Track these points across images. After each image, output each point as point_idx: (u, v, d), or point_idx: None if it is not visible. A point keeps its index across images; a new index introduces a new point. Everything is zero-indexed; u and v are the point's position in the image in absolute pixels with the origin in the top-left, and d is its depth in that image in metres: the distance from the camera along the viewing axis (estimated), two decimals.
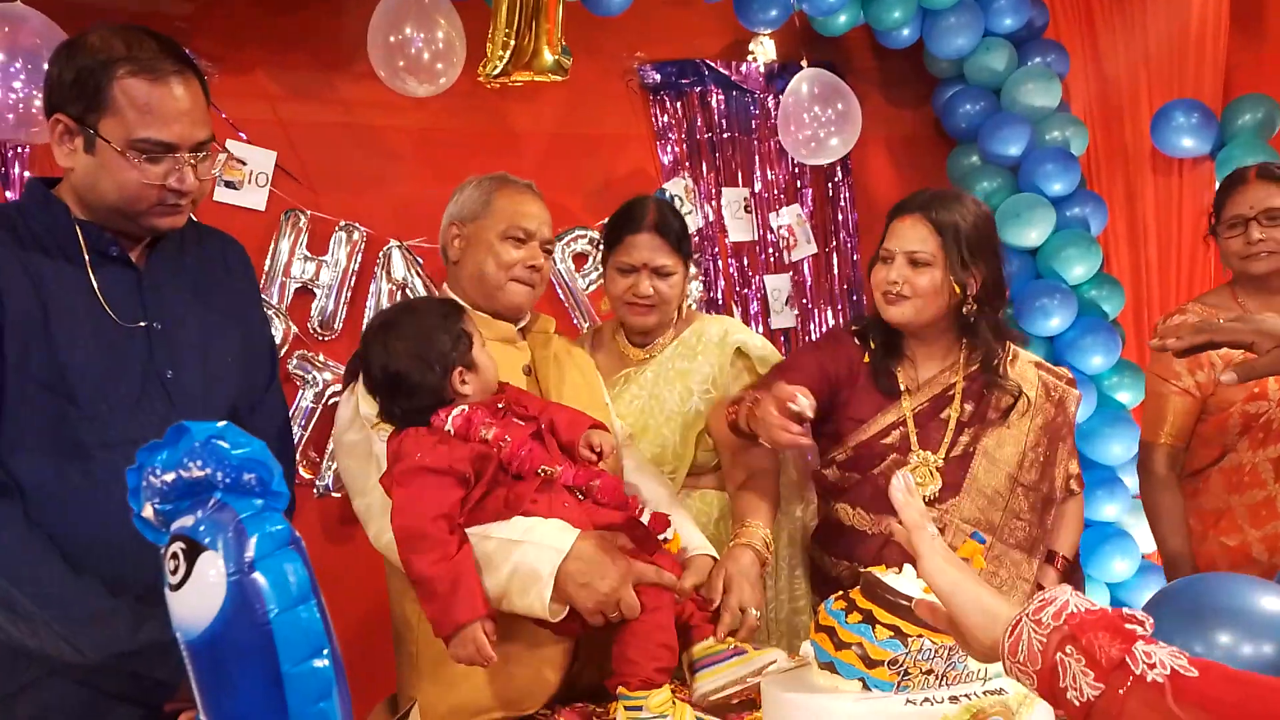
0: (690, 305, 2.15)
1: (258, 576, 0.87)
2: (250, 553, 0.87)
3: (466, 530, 1.49)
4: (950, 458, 1.87)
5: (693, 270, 2.11)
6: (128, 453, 1.41)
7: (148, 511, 0.92)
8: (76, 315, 1.42)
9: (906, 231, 1.87)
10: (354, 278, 2.97)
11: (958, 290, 1.84)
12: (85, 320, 1.42)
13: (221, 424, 0.91)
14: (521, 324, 1.89)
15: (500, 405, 1.58)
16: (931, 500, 1.85)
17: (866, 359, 1.93)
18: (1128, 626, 0.82)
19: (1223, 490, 2.28)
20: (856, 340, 1.96)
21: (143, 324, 1.47)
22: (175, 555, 0.89)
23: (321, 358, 2.90)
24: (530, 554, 1.44)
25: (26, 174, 2.65)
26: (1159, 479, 2.33)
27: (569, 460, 1.59)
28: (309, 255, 2.92)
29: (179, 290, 1.53)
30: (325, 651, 0.87)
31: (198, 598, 0.87)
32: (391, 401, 1.58)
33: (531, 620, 1.50)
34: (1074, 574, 2.01)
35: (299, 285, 2.92)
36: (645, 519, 1.58)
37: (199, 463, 0.87)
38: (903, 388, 1.91)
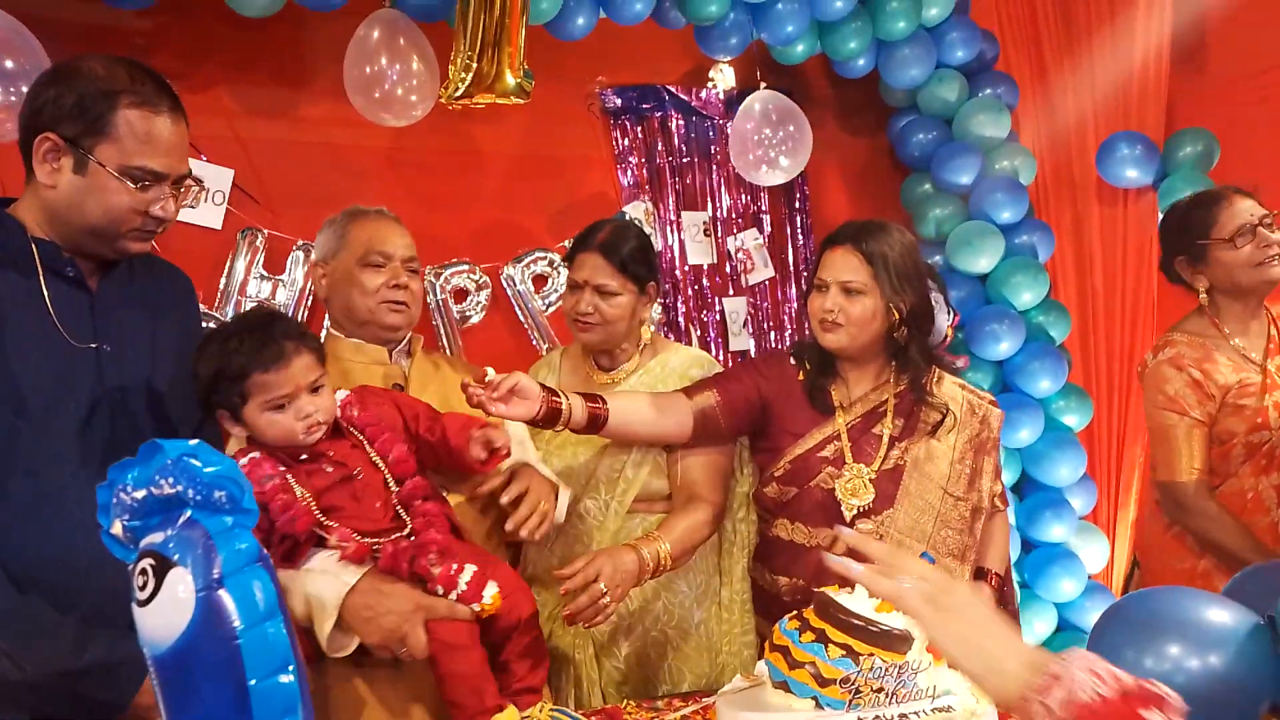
0: (651, 331, 2.16)
1: (225, 593, 0.87)
2: (218, 569, 0.88)
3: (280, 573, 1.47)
4: (882, 470, 1.95)
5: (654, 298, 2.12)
6: (75, 471, 1.42)
7: (116, 528, 0.93)
8: (29, 333, 1.43)
9: (839, 262, 1.95)
10: (311, 298, 2.96)
11: (895, 315, 1.93)
12: (37, 339, 1.44)
13: (193, 442, 0.91)
14: (400, 346, 1.92)
15: (304, 456, 1.52)
16: (866, 511, 1.92)
17: (801, 377, 2.02)
18: (1141, 713, 0.77)
19: None
20: (793, 360, 2.06)
21: (93, 345, 1.49)
22: (144, 571, 0.90)
23: None
24: (317, 582, 1.43)
25: None
26: (1210, 511, 2.23)
27: (355, 523, 1.52)
28: (265, 274, 2.91)
29: (129, 314, 1.56)
30: (291, 667, 0.89)
31: (166, 613, 0.88)
32: None
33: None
34: (1005, 588, 2.07)
35: (254, 304, 2.90)
36: (460, 585, 1.50)
37: (171, 480, 0.88)
38: (836, 404, 1.99)
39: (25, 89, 2.28)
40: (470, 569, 1.52)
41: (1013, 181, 3.35)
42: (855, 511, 1.92)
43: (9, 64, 2.29)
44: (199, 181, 1.59)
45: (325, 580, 1.43)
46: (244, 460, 1.48)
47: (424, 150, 3.09)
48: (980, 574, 2.02)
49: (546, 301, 3.23)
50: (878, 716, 1.04)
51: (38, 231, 1.48)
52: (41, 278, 1.46)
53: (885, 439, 1.96)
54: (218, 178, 2.83)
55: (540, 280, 3.24)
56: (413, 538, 1.52)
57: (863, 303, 1.92)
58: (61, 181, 1.45)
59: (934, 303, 2.00)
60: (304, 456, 1.52)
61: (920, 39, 3.31)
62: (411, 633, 1.43)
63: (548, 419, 1.77)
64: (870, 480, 1.93)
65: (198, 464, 0.90)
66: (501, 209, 3.18)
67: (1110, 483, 3.55)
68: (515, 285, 3.19)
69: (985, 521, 2.04)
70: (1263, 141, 3.29)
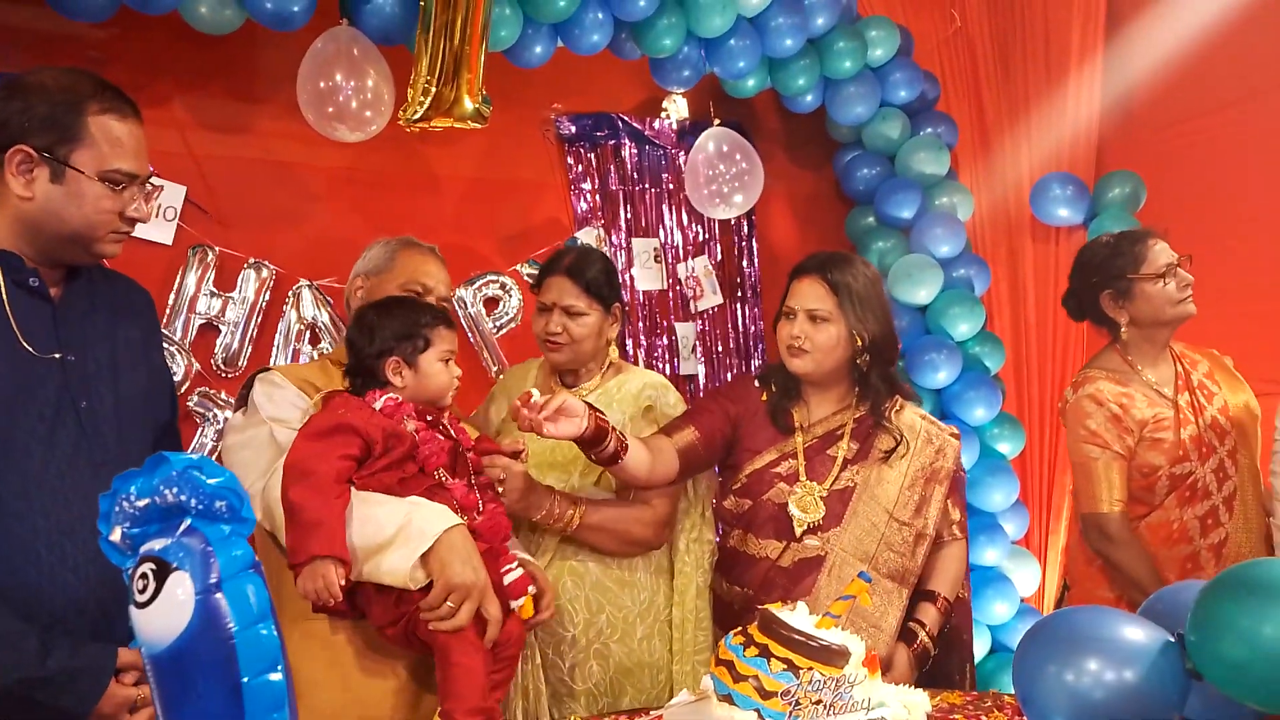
0: (616, 352, 2.23)
1: (222, 596, 0.94)
2: (216, 574, 0.95)
3: (360, 492, 1.53)
4: (833, 490, 2.03)
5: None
6: (38, 481, 1.44)
7: (116, 535, 0.97)
8: None
9: (806, 290, 2.04)
10: (261, 315, 2.95)
11: (858, 342, 2.01)
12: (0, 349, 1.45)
13: (196, 455, 0.95)
14: None
15: (429, 417, 1.64)
16: (814, 528, 2.00)
17: (765, 398, 2.10)
18: None
19: (1150, 546, 2.34)
20: (758, 384, 2.14)
21: (57, 355, 1.50)
22: (145, 575, 0.95)
23: (224, 395, 2.86)
24: (420, 516, 1.50)
25: None
26: (1126, 541, 2.32)
27: (466, 483, 1.65)
28: (215, 291, 2.89)
29: (91, 324, 1.58)
30: (279, 667, 0.95)
31: (166, 614, 0.95)
32: (348, 364, 1.71)
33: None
34: (955, 613, 2.14)
35: (204, 321, 2.88)
36: (509, 578, 1.62)
37: (175, 489, 0.93)
38: (796, 425, 2.06)
39: None
40: (519, 568, 1.64)
41: (951, 217, 3.47)
42: (805, 527, 1.99)
43: None
44: (158, 187, 1.64)
45: (425, 514, 1.50)
46: (384, 398, 1.60)
47: (378, 171, 3.11)
48: (928, 595, 2.09)
49: (498, 324, 3.26)
50: None
51: (1, 243, 1.50)
52: (3, 289, 1.47)
53: (839, 460, 2.04)
54: (170, 193, 2.82)
55: (492, 303, 3.27)
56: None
57: (827, 330, 2.01)
58: (38, 192, 1.47)
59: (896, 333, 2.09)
60: (429, 418, 1.64)
61: (865, 78, 3.43)
62: (474, 600, 1.48)
63: (595, 437, 1.81)
64: (821, 498, 2.00)
65: (202, 476, 0.96)
66: (455, 231, 3.21)
67: (1042, 508, 3.67)
68: (467, 307, 3.22)
69: (940, 549, 2.11)
70: (1187, 184, 3.45)
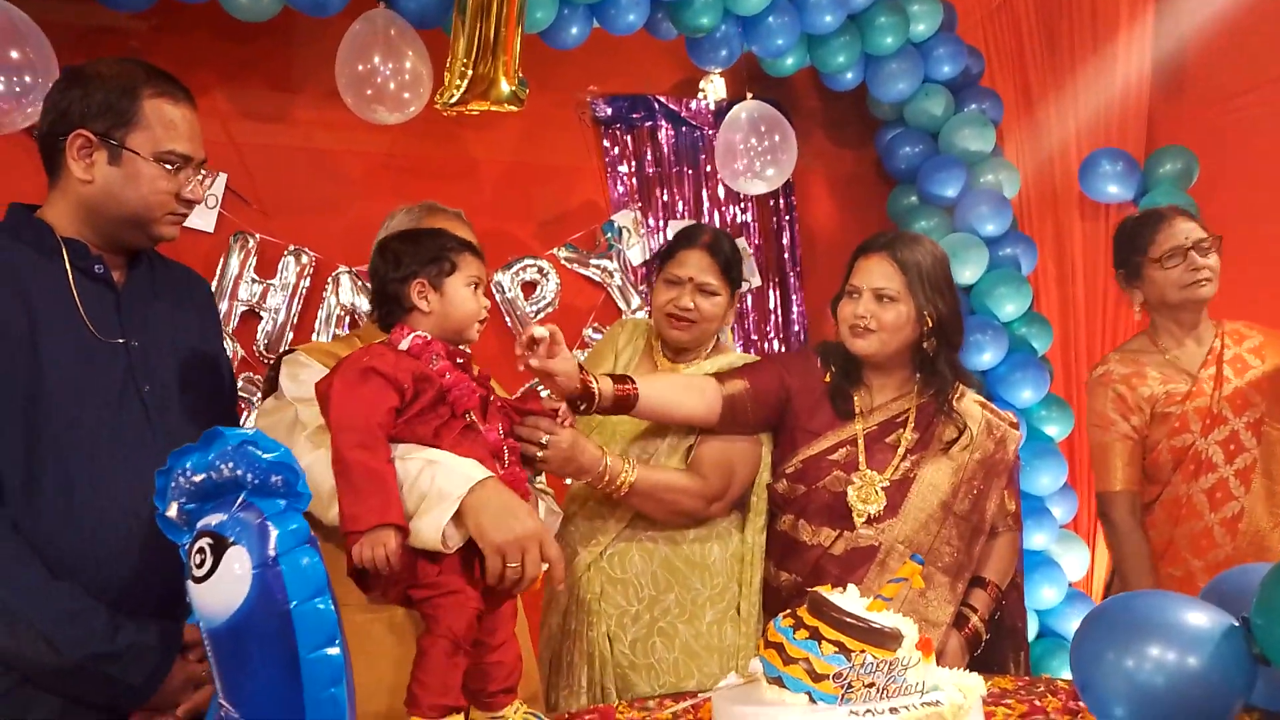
0: (727, 338, 2.20)
1: (280, 569, 0.95)
2: (273, 549, 0.96)
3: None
4: (893, 480, 1.96)
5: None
6: (103, 462, 1.46)
7: (172, 510, 0.99)
8: (60, 329, 1.48)
9: (873, 269, 1.98)
10: (302, 301, 2.97)
11: (929, 321, 1.95)
12: (67, 334, 1.49)
13: (251, 430, 0.96)
14: None
15: (460, 360, 1.58)
16: (873, 518, 1.94)
17: (827, 379, 2.04)
18: None
19: (1165, 524, 2.33)
20: (819, 362, 2.07)
21: (121, 340, 1.54)
22: (202, 550, 0.97)
23: None
24: (441, 475, 1.43)
25: None
26: (1120, 526, 2.36)
27: (496, 427, 1.60)
28: (257, 278, 2.92)
29: (153, 311, 1.61)
30: (337, 641, 0.96)
31: (223, 589, 0.95)
32: (372, 294, 1.66)
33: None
34: (1007, 600, 2.09)
35: (246, 308, 2.91)
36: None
37: (230, 464, 0.95)
38: (857, 410, 2.01)
39: (28, 79, 2.33)
40: None
41: (997, 195, 3.41)
42: (865, 518, 1.94)
43: (14, 54, 2.33)
44: (211, 171, 1.67)
45: (447, 474, 1.43)
46: (412, 335, 1.54)
47: (416, 156, 3.12)
48: (978, 582, 2.03)
49: (536, 308, 3.26)
50: (869, 710, 1.06)
51: (66, 231, 1.54)
52: (70, 275, 1.51)
53: (900, 450, 1.98)
54: (211, 181, 2.84)
55: (529, 287, 3.27)
56: None
57: (895, 309, 1.95)
58: (97, 175, 1.51)
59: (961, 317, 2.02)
60: (459, 360, 1.58)
61: (908, 54, 3.37)
62: (532, 550, 1.42)
63: (582, 397, 1.80)
64: (882, 488, 1.95)
65: (257, 450, 0.97)
66: (492, 216, 3.21)
67: (1091, 492, 3.59)
68: (505, 292, 3.22)
69: (993, 538, 2.05)
70: (1241, 159, 3.35)
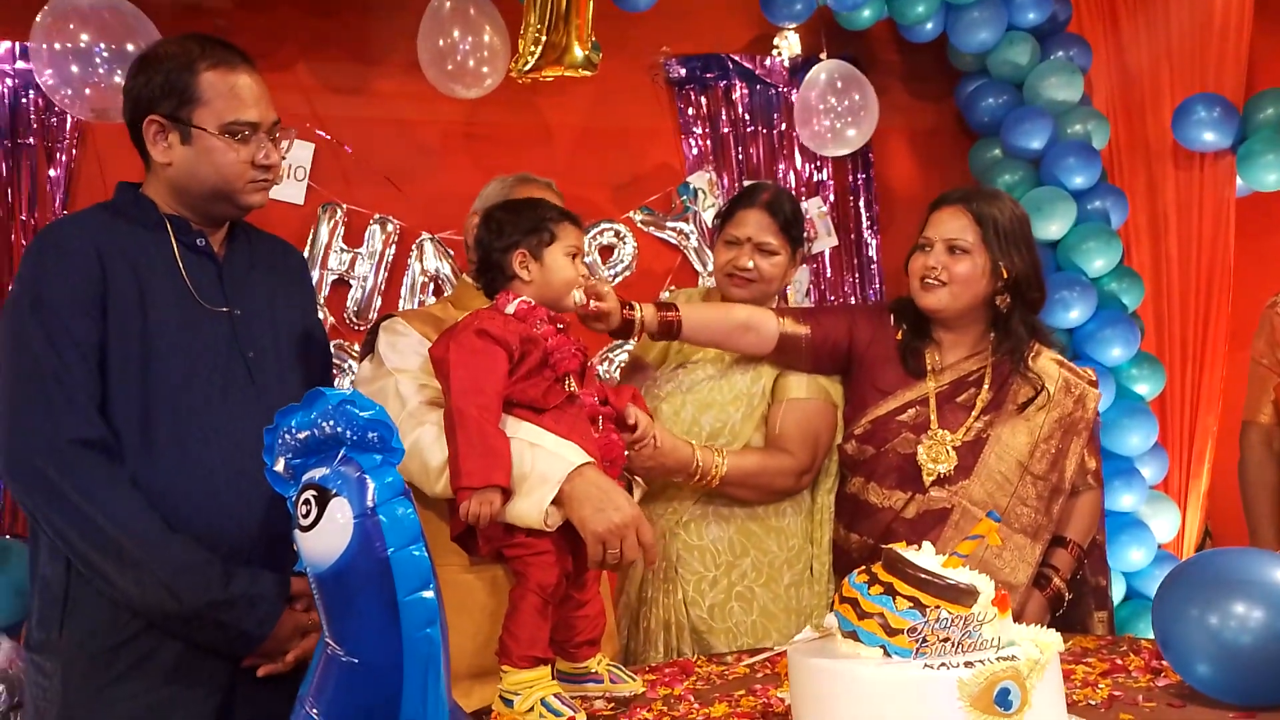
0: (793, 297, 2.20)
1: (379, 519, 1.03)
2: (372, 499, 1.03)
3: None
4: (965, 441, 1.94)
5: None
6: (214, 424, 1.56)
7: (279, 465, 1.08)
8: (168, 300, 1.57)
9: (947, 221, 1.95)
10: (388, 269, 3.07)
11: (1005, 274, 1.93)
12: (176, 303, 1.58)
13: (349, 390, 1.05)
14: None
15: (561, 326, 1.64)
16: (942, 479, 1.93)
17: (899, 336, 2.03)
18: None
19: None
20: (892, 317, 2.06)
21: (224, 309, 1.63)
22: (307, 501, 1.04)
23: (357, 347, 3.00)
24: (542, 459, 1.49)
25: (73, 151, 2.81)
26: (1246, 456, 2.41)
27: (592, 393, 1.65)
28: (345, 247, 3.02)
29: (254, 282, 1.70)
30: (431, 585, 1.04)
31: (328, 537, 1.03)
32: (476, 263, 1.72)
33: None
34: (1089, 559, 2.06)
35: (335, 277, 3.02)
36: None
37: (331, 422, 1.02)
38: (928, 368, 2.00)
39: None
40: None
41: (1085, 146, 3.30)
42: (934, 478, 1.93)
43: (129, 47, 2.44)
44: (289, 131, 1.72)
45: (549, 458, 1.49)
46: (518, 300, 1.61)
47: (492, 125, 3.17)
48: (1059, 541, 2.00)
49: (613, 272, 3.29)
50: (944, 664, 1.08)
51: (165, 208, 1.63)
52: (175, 249, 1.60)
53: (974, 410, 1.96)
54: (300, 154, 2.94)
55: (607, 251, 3.30)
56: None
57: (968, 261, 1.92)
58: (175, 157, 1.58)
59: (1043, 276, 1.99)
60: (560, 326, 1.64)
61: (990, 1, 3.27)
62: (629, 536, 1.47)
63: (624, 329, 1.87)
64: (954, 448, 1.93)
65: (355, 409, 1.04)
66: (568, 181, 3.19)
67: (1183, 452, 3.49)
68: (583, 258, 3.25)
69: (1074, 497, 2.01)
70: None
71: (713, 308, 2.04)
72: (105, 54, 2.43)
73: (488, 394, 1.49)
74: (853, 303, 3.50)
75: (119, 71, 2.40)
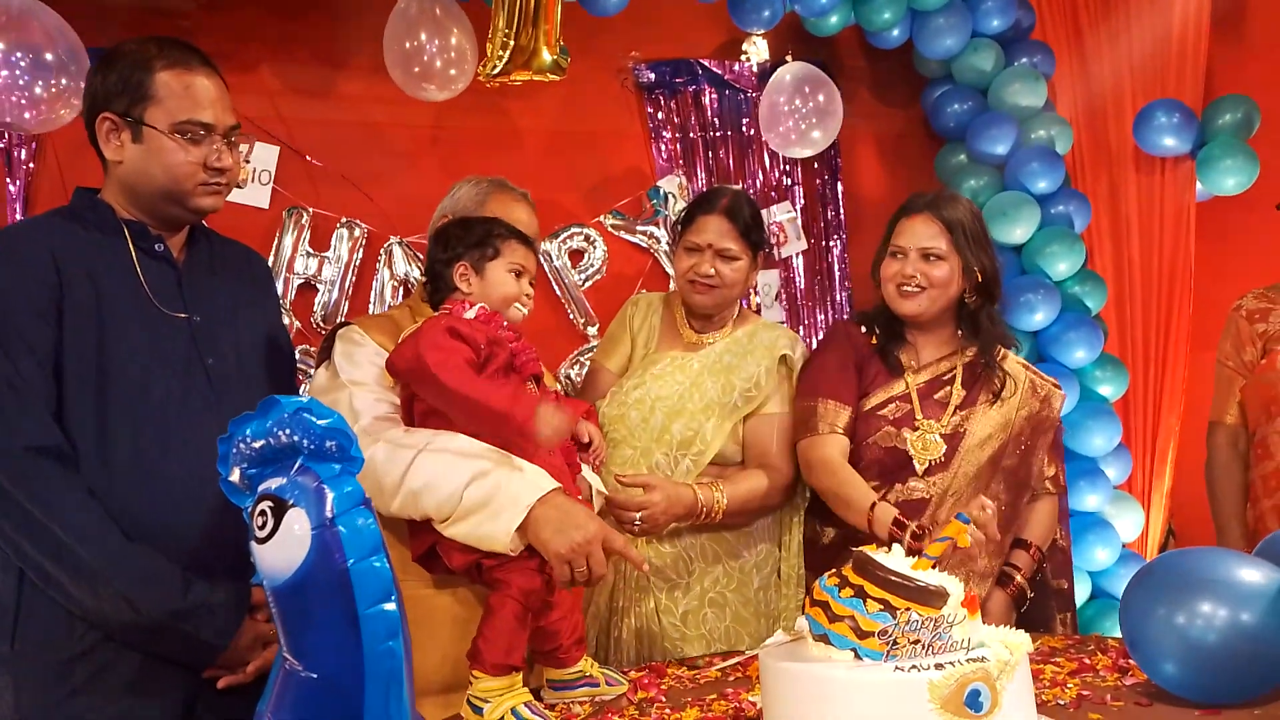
0: (757, 303, 2.21)
1: (338, 530, 1.00)
2: (331, 510, 1.00)
3: (447, 438, 1.55)
4: (943, 434, 1.99)
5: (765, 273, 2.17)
6: (177, 433, 1.52)
7: (235, 475, 1.03)
8: (126, 305, 1.54)
9: (918, 229, 2.00)
10: (355, 273, 3.03)
11: (979, 276, 2.00)
12: (134, 310, 1.55)
13: (306, 398, 1.01)
14: None
15: (517, 335, 1.67)
16: (933, 468, 1.97)
17: (873, 341, 2.07)
18: None
19: (1256, 462, 2.35)
20: (862, 329, 2.10)
21: (183, 315, 1.60)
22: (263, 512, 1.01)
23: None
24: (515, 481, 1.49)
25: (31, 165, 2.74)
26: (1212, 457, 2.44)
27: (552, 398, 1.67)
28: (311, 251, 2.98)
29: (214, 288, 1.67)
30: (393, 597, 1.00)
31: (284, 549, 1.00)
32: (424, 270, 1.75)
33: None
34: (1050, 562, 2.10)
35: (302, 281, 2.98)
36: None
37: (288, 430, 0.98)
38: (905, 365, 2.05)
39: (65, 81, 2.37)
40: None
41: (1049, 151, 3.34)
42: (926, 466, 1.97)
43: (48, 57, 2.37)
44: (248, 137, 1.69)
45: (521, 482, 1.49)
46: (476, 307, 1.63)
47: (461, 128, 3.15)
48: (1019, 544, 2.05)
49: (584, 276, 3.28)
50: (914, 666, 1.08)
51: (124, 213, 1.60)
52: (133, 254, 1.57)
53: (949, 406, 2.01)
54: (265, 157, 2.90)
55: (577, 255, 3.29)
56: None
57: (944, 266, 1.98)
58: (126, 155, 1.56)
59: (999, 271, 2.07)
60: (517, 335, 1.67)
61: (955, 8, 3.30)
62: (594, 553, 1.48)
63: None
64: (942, 435, 1.98)
65: (312, 417, 1.01)
66: (537, 185, 3.17)
67: (1146, 452, 3.54)
68: (552, 260, 3.24)
69: (1033, 502, 2.07)
70: None
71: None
72: (23, 62, 2.35)
73: (466, 367, 1.52)
74: (817, 341, 3.49)
75: (41, 81, 2.35)
